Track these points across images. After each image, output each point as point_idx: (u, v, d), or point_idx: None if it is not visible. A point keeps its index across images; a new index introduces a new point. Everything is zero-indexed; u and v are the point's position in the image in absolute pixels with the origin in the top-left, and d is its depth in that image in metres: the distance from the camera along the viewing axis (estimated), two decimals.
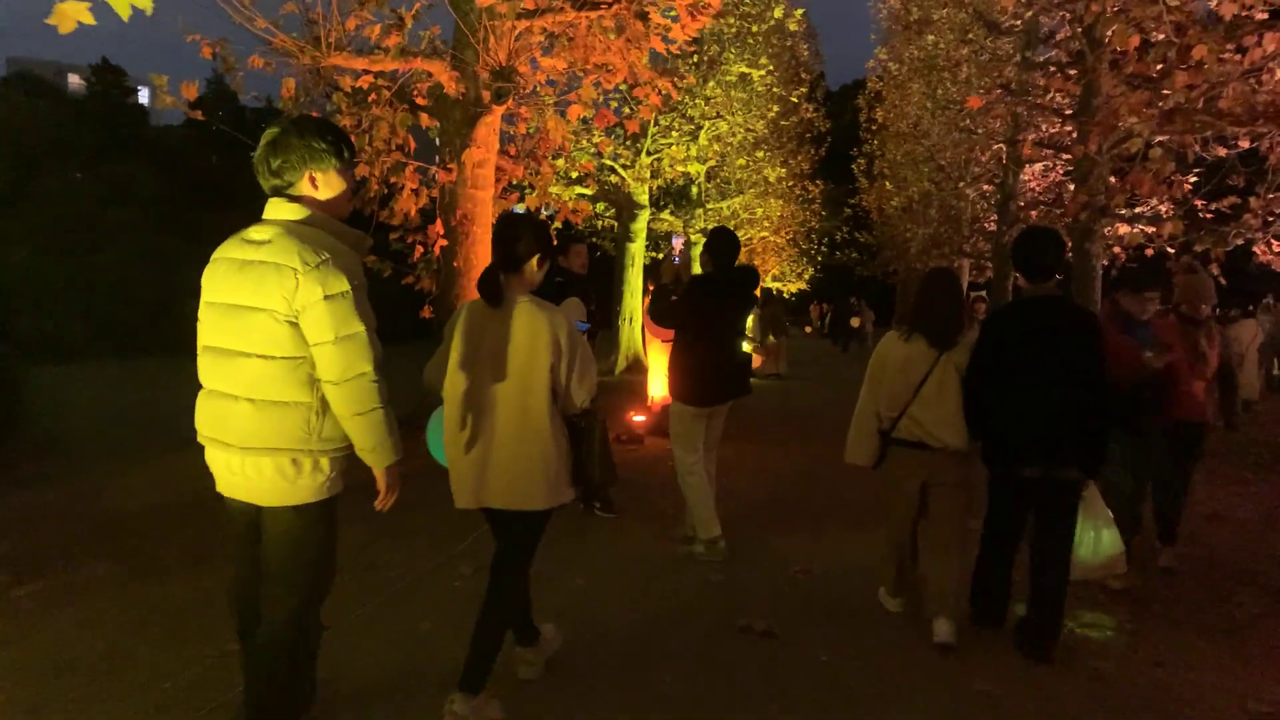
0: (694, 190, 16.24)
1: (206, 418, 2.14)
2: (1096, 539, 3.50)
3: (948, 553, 3.25)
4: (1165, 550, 4.05)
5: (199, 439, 2.17)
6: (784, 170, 18.80)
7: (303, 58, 5.89)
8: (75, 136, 27.77)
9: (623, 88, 8.74)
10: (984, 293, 15.05)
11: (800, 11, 13.90)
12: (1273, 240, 10.35)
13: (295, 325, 2.04)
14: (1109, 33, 8.91)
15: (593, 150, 12.12)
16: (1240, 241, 10.28)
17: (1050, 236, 3.20)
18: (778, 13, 13.67)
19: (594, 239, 15.58)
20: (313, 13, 5.88)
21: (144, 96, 38.92)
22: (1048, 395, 2.98)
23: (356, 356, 2.06)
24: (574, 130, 11.27)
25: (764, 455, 7.10)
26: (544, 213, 8.42)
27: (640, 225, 13.93)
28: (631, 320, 13.97)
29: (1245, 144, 7.61)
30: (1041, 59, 12.66)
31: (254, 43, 6.04)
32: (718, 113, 13.35)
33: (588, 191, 12.91)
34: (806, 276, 24.85)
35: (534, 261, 2.51)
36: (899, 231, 22.55)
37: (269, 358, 2.05)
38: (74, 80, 48.38)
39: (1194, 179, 9.89)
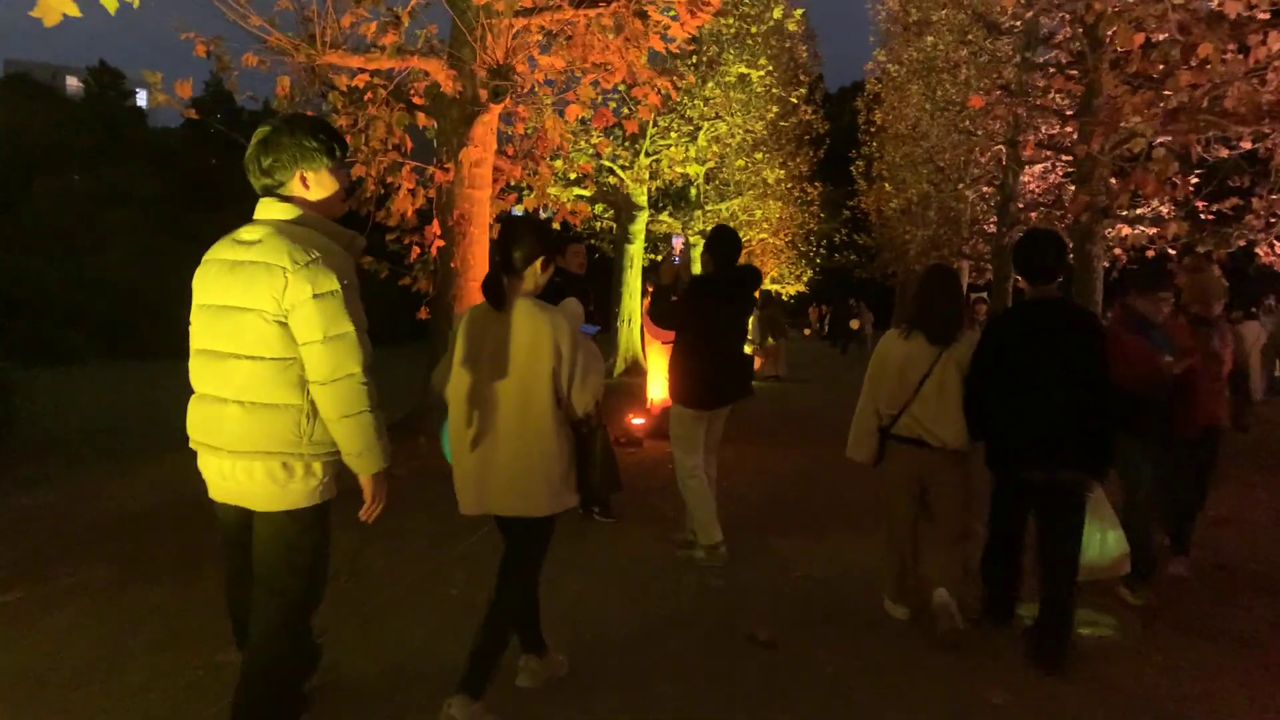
0: (693, 192, 16.20)
1: (197, 422, 2.11)
2: (1103, 540, 3.45)
3: (948, 549, 3.25)
4: (1177, 559, 3.97)
5: (191, 444, 2.13)
6: (783, 172, 18.77)
7: (297, 56, 5.82)
8: (73, 138, 27.70)
9: (621, 88, 8.68)
10: (984, 294, 14.99)
11: (799, 12, 13.85)
12: (1275, 241, 10.30)
13: (285, 325, 1.99)
14: (1110, 32, 8.88)
15: (591, 151, 12.07)
16: (1243, 243, 10.25)
17: (1051, 239, 3.18)
18: (777, 13, 13.63)
19: (592, 240, 15.52)
20: (307, 10, 5.80)
21: (142, 98, 38.83)
22: (1049, 397, 2.96)
23: (345, 357, 2.01)
24: (572, 131, 11.21)
25: (764, 457, 7.03)
26: (542, 214, 8.36)
27: (639, 227, 13.88)
28: (630, 321, 13.91)
29: (1247, 145, 7.57)
30: (1041, 60, 12.63)
31: (248, 41, 5.97)
32: (717, 114, 13.30)
33: (586, 193, 12.85)
34: (805, 279, 24.82)
35: (538, 264, 2.49)
36: (898, 233, 22.51)
37: (258, 359, 2.01)
38: (72, 82, 48.28)
39: (1195, 180, 9.85)
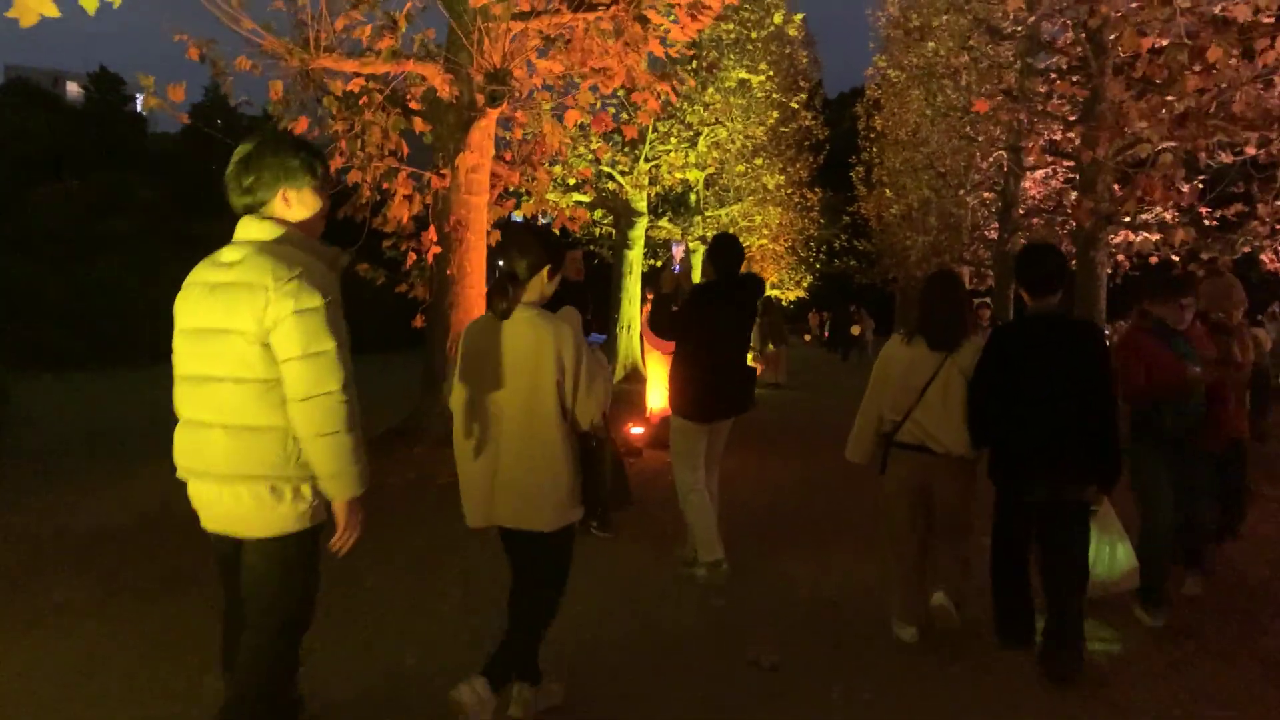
0: (693, 197, 16.13)
1: (183, 448, 2.07)
2: (1112, 554, 3.37)
3: (949, 549, 3.30)
4: (1193, 578, 3.85)
5: (179, 473, 2.09)
6: (783, 178, 18.73)
7: (291, 60, 5.73)
8: (72, 144, 27.68)
9: (620, 93, 8.61)
10: (988, 299, 14.90)
11: (800, 17, 13.81)
12: None
13: (267, 346, 1.95)
14: (1113, 37, 8.82)
15: (590, 157, 11.99)
16: (1248, 249, 10.18)
17: (1050, 251, 3.19)
18: (777, 18, 13.58)
19: (592, 246, 15.46)
20: (301, 13, 5.71)
21: (141, 104, 38.81)
22: (1052, 411, 2.95)
23: (324, 374, 1.95)
24: (571, 136, 11.13)
25: (766, 466, 6.92)
26: (540, 220, 8.26)
27: (638, 232, 13.80)
28: (629, 328, 13.81)
29: (1252, 150, 7.49)
30: (1043, 65, 12.57)
31: (242, 44, 5.88)
32: (716, 119, 13.24)
33: (585, 198, 12.77)
34: (805, 284, 24.76)
35: (544, 273, 2.46)
36: (898, 239, 22.46)
37: (242, 381, 1.97)
38: (72, 88, 48.34)
39: (1198, 185, 9.77)
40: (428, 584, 3.82)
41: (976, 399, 3.11)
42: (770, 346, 14.03)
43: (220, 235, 2.16)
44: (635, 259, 13.88)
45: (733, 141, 14.50)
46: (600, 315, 14.85)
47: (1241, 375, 3.68)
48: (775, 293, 23.27)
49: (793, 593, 3.87)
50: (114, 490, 5.69)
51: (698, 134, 13.23)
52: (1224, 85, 5.91)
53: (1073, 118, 10.96)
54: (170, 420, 2.11)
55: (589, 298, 4.50)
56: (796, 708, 2.77)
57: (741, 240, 16.89)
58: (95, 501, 5.38)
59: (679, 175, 12.81)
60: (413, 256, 7.04)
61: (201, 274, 2.06)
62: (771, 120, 16.36)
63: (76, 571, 3.93)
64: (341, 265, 2.14)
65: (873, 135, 23.33)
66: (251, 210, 2.07)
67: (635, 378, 13.03)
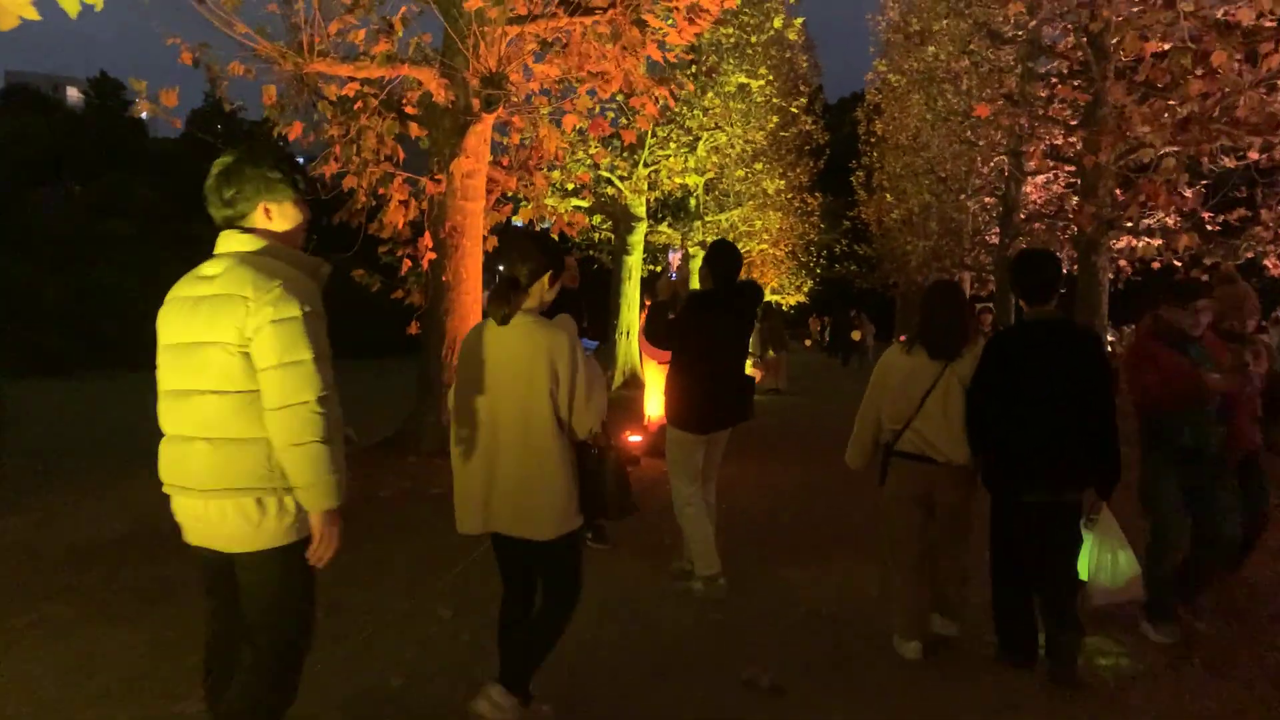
0: (692, 203, 16.06)
1: (167, 464, 2.05)
2: (1114, 562, 3.28)
3: (952, 558, 3.29)
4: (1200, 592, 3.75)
5: (164, 489, 2.06)
6: (783, 183, 18.67)
7: (284, 64, 5.66)
8: (72, 149, 27.67)
9: (619, 98, 8.55)
10: (990, 304, 14.82)
11: (799, 21, 13.76)
12: None
13: (248, 356, 1.94)
14: (1114, 41, 8.75)
15: (589, 162, 11.93)
16: (1251, 255, 10.10)
17: (1045, 257, 3.23)
18: (777, 23, 13.53)
19: (591, 252, 15.40)
20: (295, 17, 5.64)
21: (135, 109, 38.82)
22: (1051, 417, 2.95)
23: (300, 384, 1.93)
24: (570, 141, 11.07)
25: (765, 474, 6.83)
26: (538, 225, 8.19)
27: (637, 238, 13.73)
28: (628, 334, 13.73)
29: (1254, 155, 7.42)
30: (1044, 70, 12.51)
31: (236, 49, 5.82)
32: (716, 124, 13.18)
33: (584, 204, 12.71)
34: (806, 289, 24.70)
35: (545, 279, 2.46)
36: (899, 244, 22.41)
37: (223, 393, 1.95)
38: (72, 93, 48.43)
39: (1201, 190, 9.70)
40: (417, 600, 3.73)
41: (976, 402, 3.11)
42: (770, 352, 13.95)
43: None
44: (634, 264, 13.81)
45: (732, 146, 14.43)
46: (599, 321, 14.82)
47: (1255, 385, 3.56)
48: (775, 298, 23.23)
49: (792, 606, 3.78)
50: (114, 492, 5.62)
51: (697, 139, 13.16)
52: (1227, 90, 5.84)
53: (1074, 122, 10.89)
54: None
55: (583, 305, 4.42)
56: None
57: (742, 245, 16.59)
58: (95, 504, 5.32)
59: (678, 180, 12.74)
60: (408, 263, 6.97)
61: (183, 289, 2.05)
62: (771, 125, 16.31)
63: (77, 572, 3.88)
64: (324, 275, 2.13)
65: (873, 140, 23.29)
66: (232, 222, 2.06)
67: (634, 384, 12.94)
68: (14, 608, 3.62)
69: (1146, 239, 11.13)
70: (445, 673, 2.97)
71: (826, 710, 2.83)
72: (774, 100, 16.14)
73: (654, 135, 12.55)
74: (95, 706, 2.72)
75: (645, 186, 12.86)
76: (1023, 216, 15.32)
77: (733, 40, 13.64)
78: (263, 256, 2.01)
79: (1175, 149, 6.70)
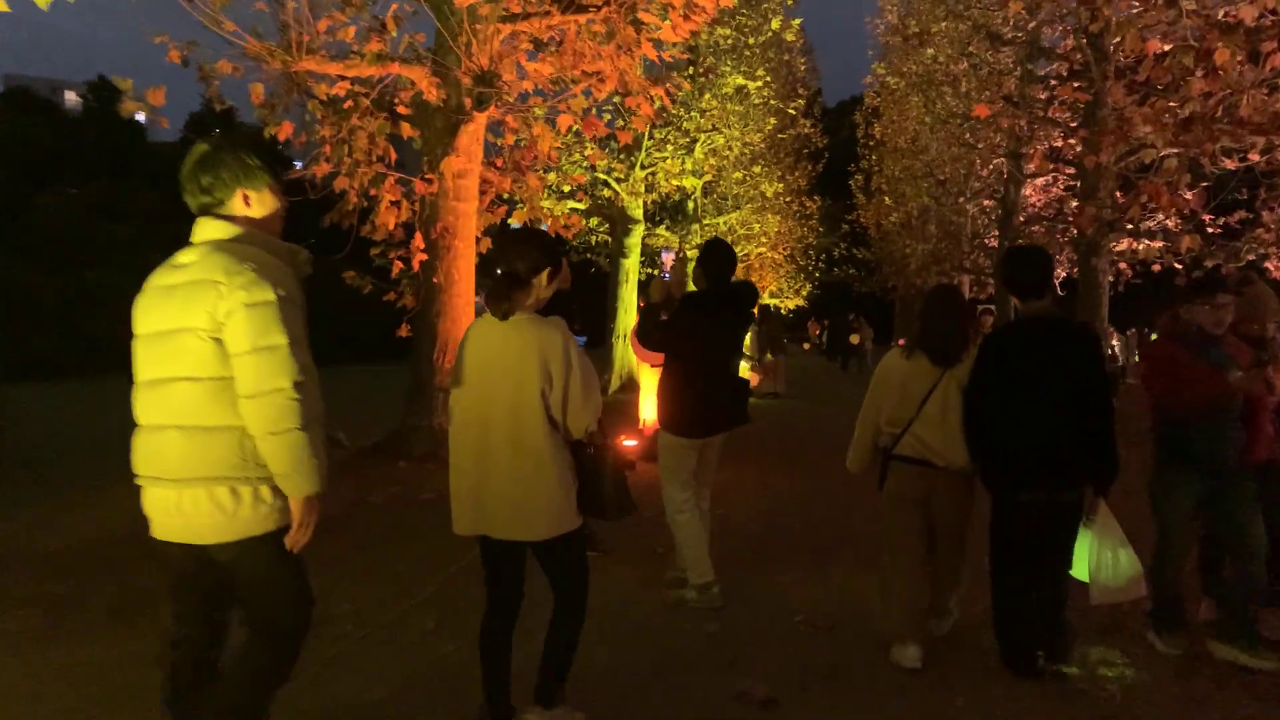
0: (690, 205, 15.98)
1: (140, 455, 2.01)
2: (1114, 560, 3.20)
3: (950, 563, 3.29)
4: (1208, 602, 3.64)
5: (136, 480, 2.01)
6: (781, 185, 18.62)
7: (273, 62, 5.57)
8: (71, 153, 27.61)
9: (616, 99, 8.46)
10: (991, 306, 14.73)
11: (797, 22, 13.70)
12: None
13: (220, 342, 1.93)
14: (1115, 41, 8.68)
15: (585, 164, 11.85)
16: (1252, 257, 10.02)
17: (1036, 253, 3.23)
18: (775, 24, 13.46)
19: (588, 255, 15.32)
20: (283, 14, 5.56)
21: (140, 113, 38.73)
22: (1051, 411, 2.95)
23: (274, 370, 1.90)
24: (565, 142, 10.99)
25: (763, 479, 6.73)
26: (534, 227, 8.10)
27: (634, 240, 13.65)
28: (625, 337, 13.63)
29: (1255, 157, 7.34)
30: (1043, 72, 12.45)
31: (225, 47, 5.72)
32: (714, 125, 13.11)
33: (580, 206, 12.62)
34: (804, 293, 24.62)
35: (544, 276, 2.44)
36: (898, 247, 22.33)
37: (195, 379, 1.94)
38: (70, 97, 48.37)
39: (1203, 190, 9.62)
40: (402, 611, 3.61)
41: (973, 402, 3.11)
42: (769, 356, 13.86)
43: None
44: (632, 267, 13.72)
45: (730, 148, 14.36)
46: (595, 325, 14.70)
47: (1275, 392, 3.40)
48: (774, 301, 23.16)
49: (788, 615, 3.68)
50: (84, 507, 5.50)
51: (694, 141, 13.09)
52: (1230, 89, 5.76)
53: (1074, 124, 10.82)
54: None
55: (575, 306, 4.32)
56: None
57: (740, 248, 16.55)
58: (60, 520, 5.20)
59: (675, 182, 12.66)
60: (399, 265, 6.87)
61: (157, 278, 2.03)
62: (769, 127, 16.25)
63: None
64: (302, 263, 2.12)
65: (871, 143, 23.23)
66: (208, 210, 2.05)
67: (630, 388, 12.85)
68: (18, 612, 3.54)
69: (1147, 241, 11.06)
70: (425, 686, 2.87)
71: None
72: (772, 102, 16.08)
73: (651, 137, 12.48)
74: (97, 706, 2.68)
75: (642, 189, 12.78)
76: (1022, 219, 15.25)
77: (730, 42, 13.58)
78: (238, 243, 2.00)
79: (1177, 150, 6.62)
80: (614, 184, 12.84)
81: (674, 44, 6.44)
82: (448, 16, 6.01)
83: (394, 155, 6.61)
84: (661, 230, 15.69)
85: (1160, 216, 10.80)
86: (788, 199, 19.98)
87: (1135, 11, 7.29)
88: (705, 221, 16.13)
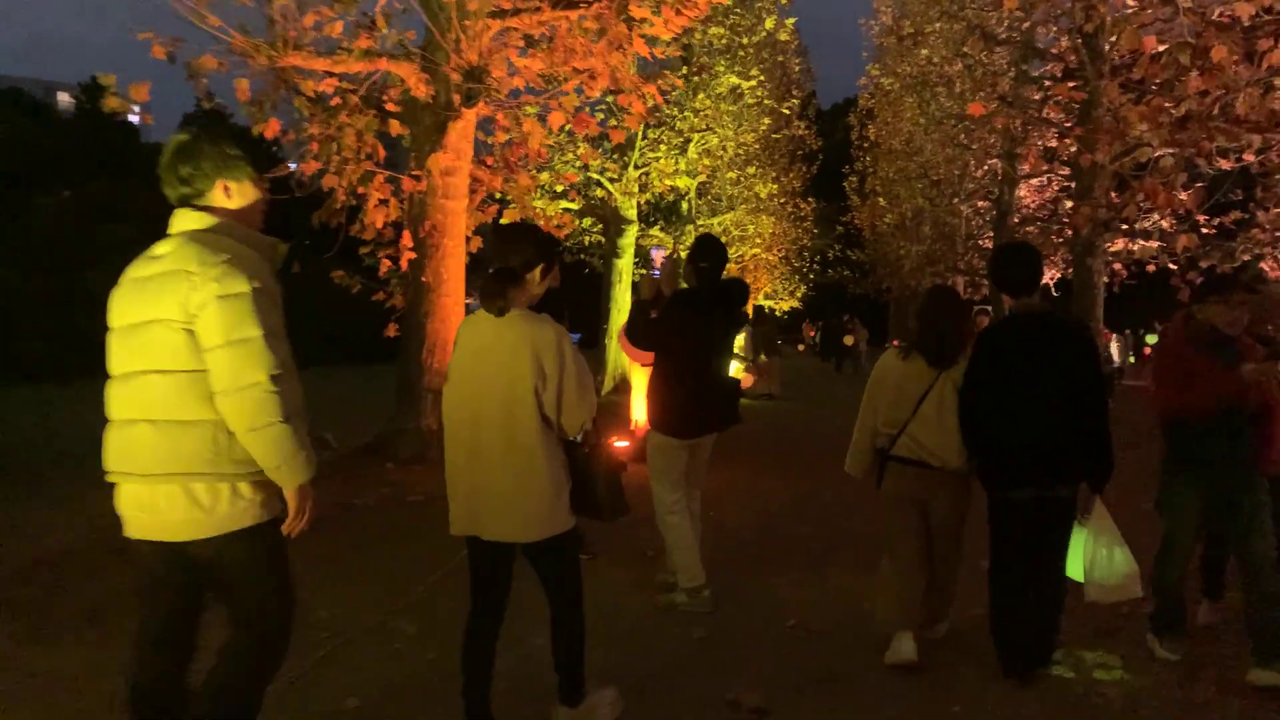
0: (684, 206, 15.94)
1: (112, 450, 1.96)
2: (1109, 558, 3.15)
3: (946, 565, 3.27)
4: (1208, 605, 3.58)
5: (109, 477, 1.95)
6: (775, 187, 18.62)
7: (258, 57, 5.49)
8: (64, 154, 27.45)
9: (609, 99, 8.39)
10: (987, 307, 14.71)
11: (791, 21, 13.66)
12: None
13: (193, 334, 1.88)
14: (1111, 40, 8.65)
15: (578, 163, 11.78)
16: (1248, 257, 9.99)
17: (1022, 250, 3.24)
18: (769, 24, 13.42)
19: (582, 255, 15.25)
20: (269, 9, 5.47)
21: (134, 114, 38.61)
22: (1045, 408, 2.94)
23: (249, 364, 1.85)
24: (558, 141, 10.91)
25: (755, 482, 6.66)
26: None
27: (628, 241, 13.59)
28: (616, 338, 13.58)
29: (1250, 156, 7.31)
30: (1037, 73, 12.43)
31: (209, 42, 5.64)
32: (707, 125, 13.06)
33: (574, 206, 12.56)
34: (799, 294, 24.62)
35: (537, 272, 2.43)
36: (892, 249, 22.31)
37: (167, 372, 1.90)
38: (63, 98, 48.15)
39: (1198, 190, 9.59)
40: (380, 618, 3.52)
41: (968, 400, 3.09)
42: (763, 357, 13.81)
43: None
44: (625, 267, 13.66)
45: (724, 149, 14.33)
46: (587, 325, 14.61)
47: None
48: (769, 303, 23.13)
49: (781, 620, 3.61)
50: (61, 510, 5.40)
51: (688, 140, 13.04)
52: (1229, 86, 5.73)
53: (1069, 124, 10.80)
54: None
55: (564, 305, 4.25)
56: None
57: (734, 250, 16.53)
58: (36, 523, 5.10)
59: (669, 182, 12.61)
60: (387, 264, 6.78)
61: (133, 270, 2.01)
62: (763, 127, 16.22)
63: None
64: (279, 255, 2.08)
65: (866, 144, 23.24)
66: (187, 201, 2.02)
67: (625, 388, 12.78)
68: (23, 617, 3.46)
69: (1143, 241, 11.04)
70: (404, 693, 2.79)
71: None
72: (766, 102, 16.05)
73: (644, 137, 12.44)
74: (100, 702, 2.61)
75: (636, 189, 12.73)
76: (1017, 220, 15.26)
77: (724, 41, 13.54)
78: (214, 234, 1.97)
79: (1173, 150, 6.59)
80: (607, 184, 12.78)
81: (667, 41, 6.38)
82: (436, 13, 5.93)
83: (382, 153, 6.53)
84: (656, 231, 15.65)
85: (1156, 216, 10.79)
86: (782, 200, 19.99)
87: (1131, 10, 7.28)
88: (700, 222, 16.09)
